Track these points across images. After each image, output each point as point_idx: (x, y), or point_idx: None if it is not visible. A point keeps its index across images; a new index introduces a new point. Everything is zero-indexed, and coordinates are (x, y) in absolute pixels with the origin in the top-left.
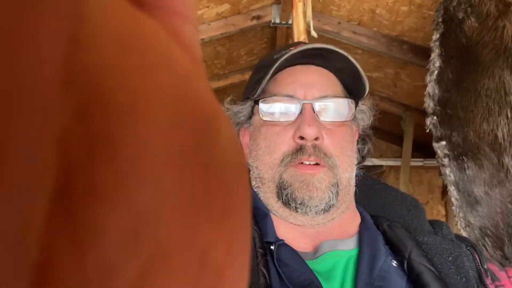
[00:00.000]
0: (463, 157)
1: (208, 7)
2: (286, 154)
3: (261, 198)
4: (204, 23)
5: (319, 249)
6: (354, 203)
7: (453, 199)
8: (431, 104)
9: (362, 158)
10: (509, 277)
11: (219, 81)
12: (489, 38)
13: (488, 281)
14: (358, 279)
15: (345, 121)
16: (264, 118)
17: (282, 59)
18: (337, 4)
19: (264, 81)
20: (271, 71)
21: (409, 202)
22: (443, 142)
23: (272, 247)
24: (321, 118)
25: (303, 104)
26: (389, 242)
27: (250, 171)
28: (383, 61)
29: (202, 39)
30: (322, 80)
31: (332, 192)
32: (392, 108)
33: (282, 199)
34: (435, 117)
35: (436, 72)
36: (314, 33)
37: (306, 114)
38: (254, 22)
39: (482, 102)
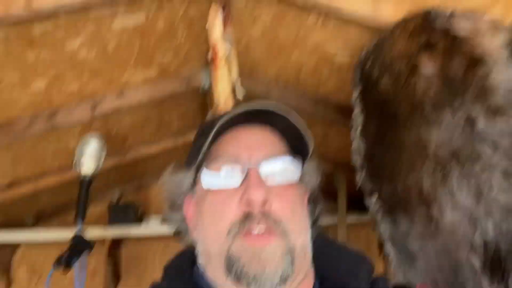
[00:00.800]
0: (395, 211)
1: (135, 72)
2: (233, 223)
3: (209, 276)
4: (131, 88)
5: None
6: (311, 270)
7: (390, 256)
8: (359, 159)
9: (314, 220)
10: None
11: (150, 147)
12: (403, 95)
13: None
14: None
15: (293, 182)
16: (207, 186)
17: (221, 121)
18: (264, 66)
19: (205, 146)
20: (212, 135)
21: (352, 259)
22: (374, 197)
23: None
24: (268, 182)
25: (248, 168)
26: None
27: (196, 246)
28: (312, 121)
29: (130, 104)
30: (266, 141)
31: (286, 261)
32: (324, 166)
33: (232, 275)
34: (363, 172)
35: (359, 127)
36: (240, 96)
37: (252, 178)
38: (184, 86)
39: (405, 155)
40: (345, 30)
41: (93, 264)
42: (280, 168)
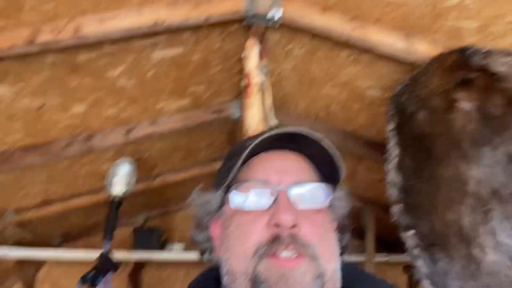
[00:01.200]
0: (433, 247)
1: (169, 100)
2: (261, 244)
3: None
4: (164, 116)
5: None
6: None
7: None
8: (394, 192)
9: (343, 249)
10: None
11: (178, 174)
12: (440, 130)
13: None
14: None
15: (323, 207)
16: (236, 206)
17: (254, 143)
18: (295, 100)
19: (236, 167)
20: (243, 157)
21: None
22: (411, 232)
23: None
24: (297, 205)
25: (278, 190)
26: None
27: (221, 266)
28: (340, 155)
29: (162, 131)
30: (296, 165)
31: (316, 286)
32: (352, 202)
33: None
34: (400, 205)
35: (395, 160)
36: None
37: (281, 201)
38: (215, 115)
39: (443, 191)
40: (378, 65)
41: (115, 285)
42: (310, 193)
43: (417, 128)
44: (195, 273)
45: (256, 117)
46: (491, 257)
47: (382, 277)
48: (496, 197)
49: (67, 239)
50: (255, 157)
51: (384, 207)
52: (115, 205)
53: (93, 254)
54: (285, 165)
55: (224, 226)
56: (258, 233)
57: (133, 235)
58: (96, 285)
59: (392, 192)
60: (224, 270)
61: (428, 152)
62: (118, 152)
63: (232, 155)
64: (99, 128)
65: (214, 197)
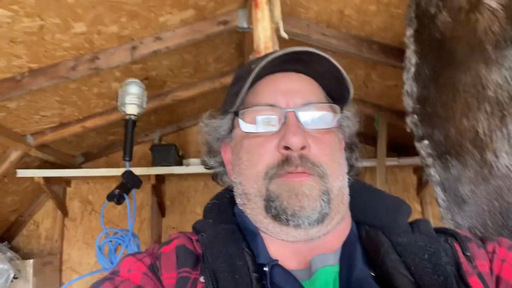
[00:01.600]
0: (447, 155)
1: (171, 13)
2: (271, 166)
3: (249, 216)
4: (168, 30)
5: (311, 266)
6: (349, 213)
7: (439, 201)
8: (410, 103)
9: (351, 167)
10: (487, 252)
11: (188, 90)
12: (462, 32)
13: (468, 270)
14: None
15: (331, 128)
16: (245, 130)
17: (259, 66)
18: (305, 6)
19: (243, 92)
20: (249, 80)
21: (390, 203)
22: (426, 142)
23: (265, 269)
24: (306, 127)
25: (286, 112)
26: (366, 250)
27: (234, 188)
28: (354, 62)
29: (167, 47)
30: (304, 86)
31: (323, 200)
32: (365, 109)
33: (271, 212)
34: (415, 116)
35: (412, 69)
36: (284, 34)
37: (290, 123)
38: (221, 27)
39: (461, 97)
40: None
41: (140, 198)
42: (318, 113)
43: (437, 32)
44: (212, 184)
45: (267, 30)
46: (504, 161)
47: (390, 194)
48: None
49: (88, 158)
50: (261, 79)
51: (397, 112)
52: (130, 125)
53: (113, 171)
54: (292, 87)
55: (235, 150)
56: (268, 156)
57: (151, 151)
58: (122, 202)
59: (408, 102)
60: (238, 191)
61: (447, 58)
62: (126, 71)
63: (238, 79)
64: (103, 47)
65: (223, 122)
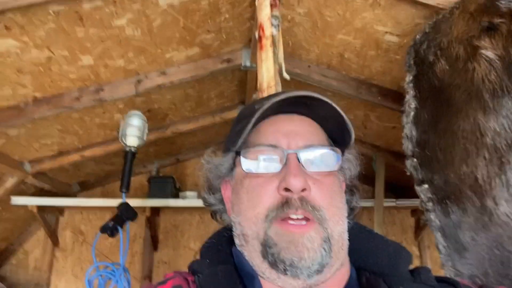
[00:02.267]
0: (447, 201)
1: (177, 50)
2: (271, 208)
3: (247, 259)
4: (173, 66)
5: None
6: (347, 259)
7: (440, 247)
8: (410, 146)
9: (351, 210)
10: None
11: (189, 124)
12: (460, 80)
13: None
14: None
15: (332, 171)
16: (246, 170)
17: (263, 108)
18: (306, 48)
19: (246, 131)
20: (253, 121)
21: (391, 250)
22: (426, 185)
23: None
24: (307, 169)
25: (287, 154)
26: None
27: (233, 227)
28: (353, 103)
29: (172, 81)
30: (306, 129)
31: (325, 249)
32: (363, 149)
33: (268, 259)
34: (415, 159)
35: (412, 113)
36: (286, 76)
37: (291, 164)
38: (225, 65)
39: (460, 143)
40: (397, 9)
41: (133, 230)
42: (320, 157)
43: (435, 79)
44: (208, 218)
45: (270, 71)
46: (504, 208)
47: (390, 240)
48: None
49: (84, 188)
50: (264, 120)
51: (395, 154)
52: (129, 156)
53: (109, 202)
54: (295, 128)
55: (235, 189)
56: (269, 197)
57: (148, 183)
58: (116, 234)
59: (408, 146)
60: (236, 232)
61: (446, 104)
62: (129, 104)
63: (242, 118)
64: (109, 80)
65: (224, 160)
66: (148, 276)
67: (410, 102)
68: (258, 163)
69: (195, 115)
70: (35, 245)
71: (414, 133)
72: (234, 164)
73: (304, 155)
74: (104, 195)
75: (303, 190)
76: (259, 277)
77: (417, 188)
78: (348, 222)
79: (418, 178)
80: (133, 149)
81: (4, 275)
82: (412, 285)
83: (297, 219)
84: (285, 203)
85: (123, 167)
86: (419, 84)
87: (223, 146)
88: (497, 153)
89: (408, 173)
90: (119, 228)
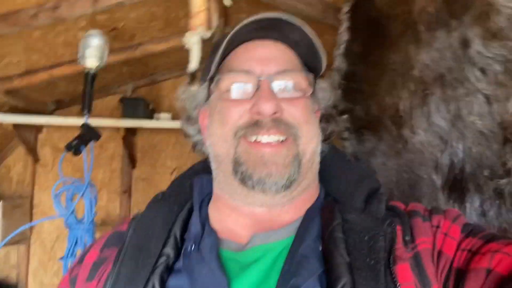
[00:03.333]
0: (363, 130)
1: None
2: (241, 126)
3: (221, 181)
4: None
5: (249, 242)
6: (316, 182)
7: None
8: (337, 78)
9: (328, 136)
10: (432, 226)
11: (159, 44)
12: (398, 11)
13: (402, 256)
14: (282, 268)
15: (305, 95)
16: (220, 95)
17: (232, 32)
18: None
19: (216, 60)
20: (223, 46)
21: (354, 177)
22: (345, 116)
23: (189, 248)
24: (280, 94)
25: (260, 80)
26: (322, 223)
27: (209, 153)
28: (321, 28)
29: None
30: (279, 54)
31: (294, 166)
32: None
33: (238, 176)
34: (339, 91)
35: (343, 46)
36: (227, 1)
37: (263, 90)
38: None
39: (388, 75)
40: None
41: (112, 149)
42: (292, 82)
43: (374, 9)
44: (184, 140)
45: None
46: (419, 137)
47: (361, 165)
48: (438, 81)
49: (60, 106)
50: (238, 47)
51: None
52: (90, 77)
53: (79, 121)
54: (268, 54)
55: (210, 114)
56: (239, 117)
57: (121, 104)
58: (79, 153)
59: (335, 78)
60: (211, 156)
61: (380, 37)
62: (91, 22)
63: (215, 47)
64: None
65: (200, 89)
66: (127, 191)
67: (343, 35)
68: (231, 89)
69: (165, 36)
70: (16, 160)
71: (342, 65)
72: (209, 93)
73: (277, 81)
74: (80, 114)
75: (275, 113)
76: (216, 202)
77: (337, 118)
78: (324, 149)
79: (340, 109)
80: (92, 71)
81: None
82: (360, 215)
83: (269, 143)
84: (255, 124)
85: (83, 89)
86: (356, 15)
87: (200, 76)
88: (422, 85)
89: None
90: (82, 147)
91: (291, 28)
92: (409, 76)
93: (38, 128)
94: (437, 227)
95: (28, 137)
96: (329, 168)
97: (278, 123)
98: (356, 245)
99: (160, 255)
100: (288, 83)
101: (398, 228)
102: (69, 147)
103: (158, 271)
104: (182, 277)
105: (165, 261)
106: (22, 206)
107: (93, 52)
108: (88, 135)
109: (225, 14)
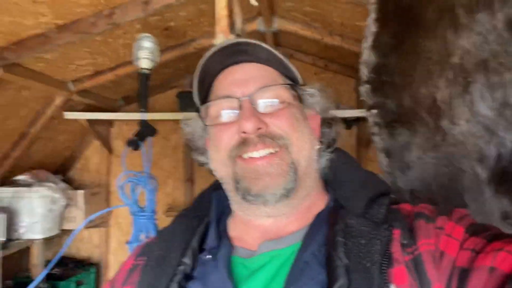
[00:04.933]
0: (395, 124)
1: None
2: (231, 148)
3: (232, 199)
4: None
5: (258, 249)
6: (318, 189)
7: (382, 166)
8: (366, 72)
9: (333, 141)
10: (436, 227)
11: (210, 39)
12: None
13: (398, 259)
14: (287, 274)
15: (290, 104)
16: (209, 124)
17: (202, 63)
18: None
19: (196, 94)
20: (196, 80)
21: (358, 182)
22: (375, 111)
23: (205, 256)
24: (262, 110)
25: (241, 101)
26: (328, 229)
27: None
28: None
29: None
30: (257, 73)
31: (289, 174)
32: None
33: (240, 193)
34: (367, 85)
35: (371, 38)
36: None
37: (244, 109)
38: None
39: (422, 65)
40: None
41: (174, 140)
42: (272, 95)
43: None
44: None
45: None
46: (461, 128)
47: (365, 170)
48: (482, 67)
49: (128, 102)
50: (219, 74)
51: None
52: (144, 77)
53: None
54: (245, 75)
55: (209, 142)
56: (229, 140)
57: (178, 98)
58: (138, 147)
59: (364, 71)
60: (218, 177)
61: (413, 25)
62: (145, 24)
63: (194, 79)
64: (119, 3)
65: (195, 122)
66: (190, 179)
67: (371, 26)
68: (218, 116)
69: (214, 30)
70: (94, 152)
71: (371, 58)
72: (203, 119)
73: (257, 98)
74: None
75: (259, 129)
76: (233, 214)
77: (367, 113)
78: (331, 153)
79: (369, 104)
80: (146, 71)
81: (72, 177)
82: (359, 219)
83: (260, 157)
84: (243, 142)
85: (138, 89)
86: (384, 5)
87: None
88: (463, 73)
89: (362, 98)
90: (140, 142)
91: (258, 49)
92: (447, 64)
93: (110, 123)
94: (441, 228)
95: (102, 131)
96: (338, 174)
97: (263, 138)
98: (353, 248)
99: (178, 265)
100: (268, 97)
101: (396, 232)
102: (129, 143)
103: (176, 279)
104: (197, 283)
105: (183, 270)
106: (100, 193)
107: (145, 54)
108: (145, 131)
109: (271, 4)
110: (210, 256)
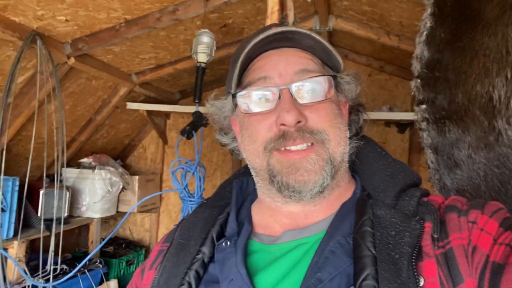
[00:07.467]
0: (446, 120)
1: None
2: (269, 141)
3: (261, 186)
4: None
5: (282, 236)
6: (345, 180)
7: (429, 162)
8: (418, 67)
9: (360, 129)
10: (468, 221)
11: None
12: None
13: (429, 253)
14: (311, 262)
15: (328, 96)
16: (243, 111)
17: (245, 51)
18: None
19: (235, 75)
20: (238, 65)
21: (389, 172)
22: (424, 106)
23: (220, 243)
24: (301, 101)
25: (280, 89)
26: (355, 219)
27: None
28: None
29: None
30: (295, 58)
31: (326, 171)
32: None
33: (275, 186)
34: (418, 80)
35: (425, 32)
36: None
37: (284, 99)
38: None
39: (479, 62)
40: None
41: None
42: (311, 86)
43: None
44: None
45: None
46: None
47: (397, 160)
48: None
49: (184, 96)
50: (255, 60)
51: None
52: (200, 71)
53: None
54: (283, 59)
55: (240, 126)
56: (266, 131)
57: None
58: (192, 137)
59: (416, 66)
60: (249, 166)
61: (471, 21)
62: (205, 20)
63: (232, 62)
64: (182, 0)
65: (225, 102)
66: (236, 168)
67: (426, 21)
68: (253, 102)
69: None
70: (150, 142)
71: (425, 53)
72: (235, 104)
73: (296, 88)
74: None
75: (299, 122)
76: (258, 202)
77: (415, 108)
78: (359, 141)
79: (419, 98)
80: (203, 65)
81: (130, 164)
82: (389, 210)
83: (297, 150)
84: (282, 136)
85: (195, 81)
86: (442, 0)
87: (225, 89)
88: None
89: (412, 93)
90: (193, 132)
91: (302, 36)
92: (506, 62)
93: (167, 115)
94: (474, 222)
95: (159, 122)
96: (365, 162)
97: (302, 132)
98: (382, 239)
99: (197, 253)
100: (308, 88)
101: (427, 225)
102: (183, 132)
103: (194, 266)
104: (215, 267)
105: (201, 258)
106: (153, 180)
107: (203, 48)
108: (198, 122)
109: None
110: (228, 243)
